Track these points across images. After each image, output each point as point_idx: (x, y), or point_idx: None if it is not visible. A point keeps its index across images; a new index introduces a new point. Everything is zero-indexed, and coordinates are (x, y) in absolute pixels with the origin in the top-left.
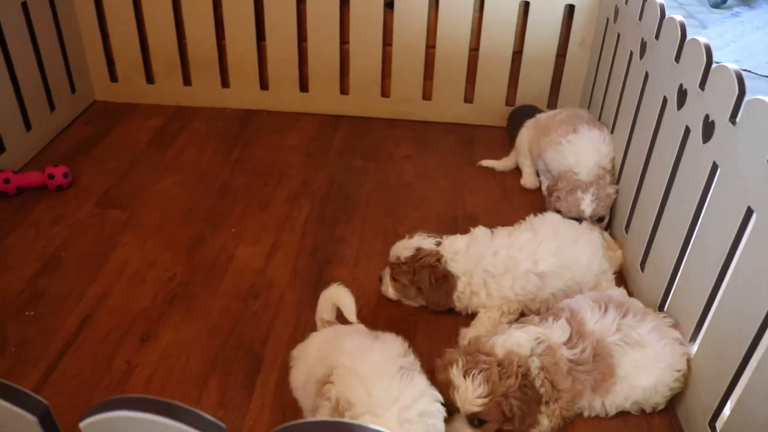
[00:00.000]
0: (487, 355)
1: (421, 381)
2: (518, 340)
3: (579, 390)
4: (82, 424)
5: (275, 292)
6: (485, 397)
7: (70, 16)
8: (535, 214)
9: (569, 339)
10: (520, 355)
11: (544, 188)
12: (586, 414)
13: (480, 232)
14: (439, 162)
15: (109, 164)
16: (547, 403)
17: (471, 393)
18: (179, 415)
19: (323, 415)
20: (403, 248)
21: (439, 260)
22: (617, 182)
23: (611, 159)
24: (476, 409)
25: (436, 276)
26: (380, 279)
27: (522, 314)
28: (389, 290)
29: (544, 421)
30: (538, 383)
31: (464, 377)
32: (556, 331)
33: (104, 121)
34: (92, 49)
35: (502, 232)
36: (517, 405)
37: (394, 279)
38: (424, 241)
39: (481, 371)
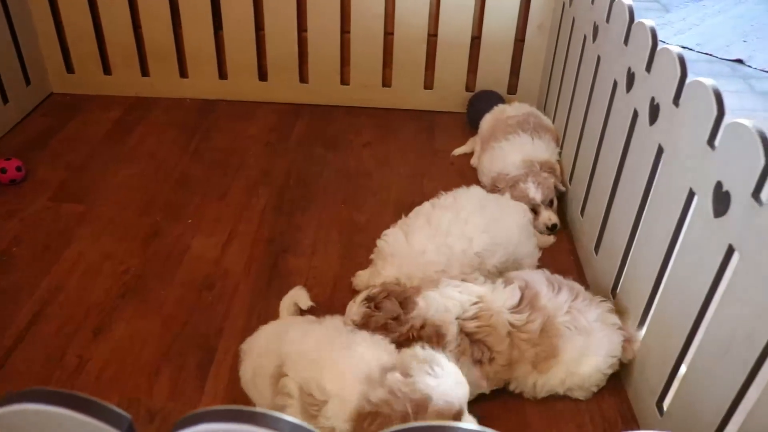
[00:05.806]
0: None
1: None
2: (447, 304)
3: (516, 357)
4: None
5: (230, 283)
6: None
7: (22, 5)
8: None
9: (517, 305)
10: (437, 326)
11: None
12: (512, 387)
13: (392, 236)
14: (399, 149)
15: (65, 157)
16: (480, 362)
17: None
18: (83, 407)
19: (294, 415)
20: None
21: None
22: (573, 166)
23: (537, 156)
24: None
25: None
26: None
27: None
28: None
29: (482, 383)
30: (451, 347)
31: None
32: (503, 295)
33: (61, 114)
34: (47, 41)
35: (418, 221)
36: None
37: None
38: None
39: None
